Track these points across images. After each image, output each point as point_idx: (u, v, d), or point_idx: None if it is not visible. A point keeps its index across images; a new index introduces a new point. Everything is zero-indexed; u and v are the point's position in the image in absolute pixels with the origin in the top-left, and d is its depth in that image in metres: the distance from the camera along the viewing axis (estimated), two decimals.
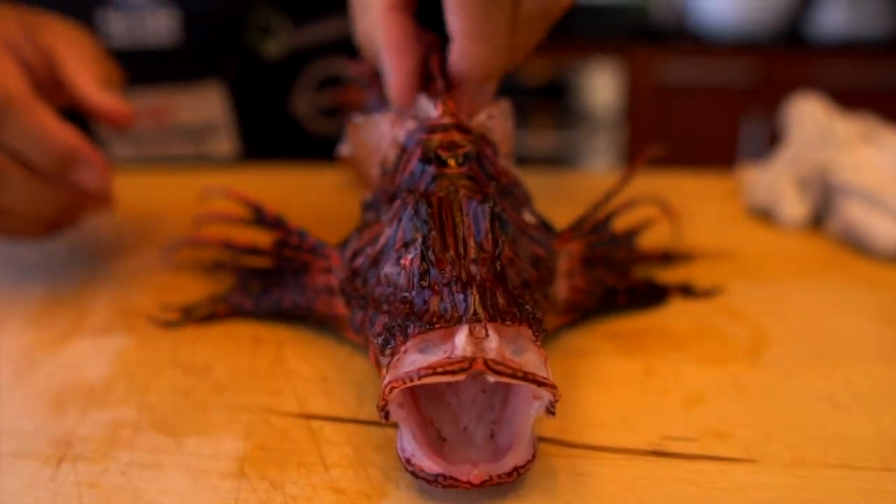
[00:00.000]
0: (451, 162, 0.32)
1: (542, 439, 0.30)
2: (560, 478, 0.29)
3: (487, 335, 0.26)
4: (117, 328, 0.39)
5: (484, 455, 0.28)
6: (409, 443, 0.27)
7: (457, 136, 0.33)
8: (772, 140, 1.92)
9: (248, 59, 0.64)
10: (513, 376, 0.26)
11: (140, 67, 0.61)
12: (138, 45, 0.60)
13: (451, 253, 0.29)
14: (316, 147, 0.67)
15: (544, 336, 0.29)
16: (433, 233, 0.29)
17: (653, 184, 0.51)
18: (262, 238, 0.40)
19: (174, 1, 0.60)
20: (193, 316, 0.39)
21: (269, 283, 0.39)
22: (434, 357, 0.26)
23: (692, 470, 0.29)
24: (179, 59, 0.62)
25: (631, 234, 0.43)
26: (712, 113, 1.89)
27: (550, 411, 0.27)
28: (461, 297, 0.27)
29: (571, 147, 2.29)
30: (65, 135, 0.39)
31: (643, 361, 0.36)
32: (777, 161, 0.54)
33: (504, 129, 0.37)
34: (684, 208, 0.50)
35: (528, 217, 0.35)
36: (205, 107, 0.64)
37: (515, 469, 0.27)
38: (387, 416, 0.27)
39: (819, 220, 0.52)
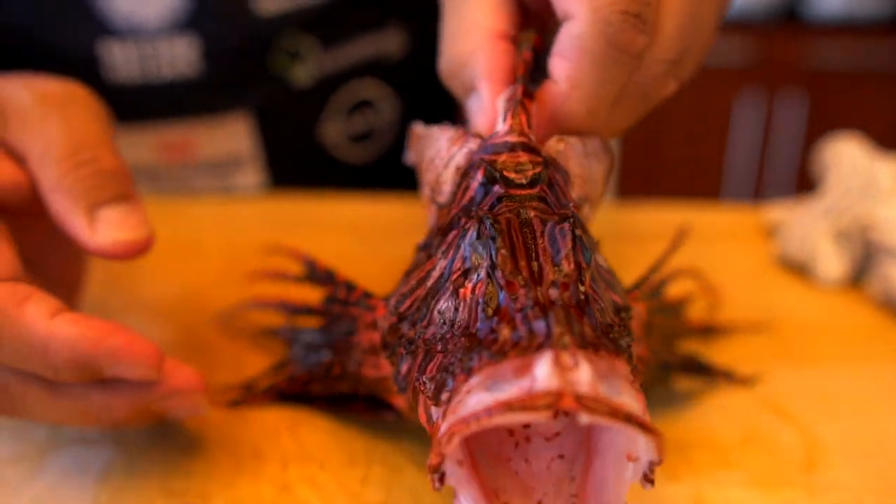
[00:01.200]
0: (520, 180, 0.28)
1: None
2: None
3: (577, 364, 0.21)
4: (100, 441, 0.34)
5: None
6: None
7: (524, 157, 0.29)
8: (766, 122, 1.89)
9: (276, 86, 0.58)
10: (612, 416, 0.20)
11: (155, 101, 0.56)
12: (152, 78, 0.55)
13: (525, 275, 0.24)
14: (346, 174, 0.63)
15: (639, 380, 0.24)
16: (502, 251, 0.24)
17: (672, 218, 0.48)
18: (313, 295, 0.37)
19: (192, 28, 0.54)
20: (254, 391, 0.35)
21: (320, 346, 0.35)
22: (504, 394, 0.21)
23: None
24: (200, 91, 0.56)
25: (680, 304, 0.39)
26: (706, 93, 1.85)
27: (649, 479, 0.22)
28: (541, 322, 0.22)
29: None
30: (68, 332, 0.27)
31: (690, 486, 0.32)
32: (813, 210, 0.50)
33: (585, 168, 0.31)
34: (712, 255, 0.47)
35: (602, 261, 0.30)
36: (230, 140, 0.59)
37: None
38: (441, 478, 0.22)
39: (859, 276, 0.48)
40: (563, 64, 0.29)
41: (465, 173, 0.30)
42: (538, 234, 0.25)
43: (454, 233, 0.28)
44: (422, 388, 0.25)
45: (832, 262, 0.48)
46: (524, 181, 0.28)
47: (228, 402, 0.36)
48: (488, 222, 0.25)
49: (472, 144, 0.30)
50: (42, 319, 0.27)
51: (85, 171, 0.31)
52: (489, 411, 0.20)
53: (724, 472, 0.33)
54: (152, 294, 0.45)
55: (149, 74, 0.55)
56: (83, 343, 0.27)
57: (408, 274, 0.30)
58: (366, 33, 0.61)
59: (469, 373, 0.22)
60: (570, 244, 0.25)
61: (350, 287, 0.34)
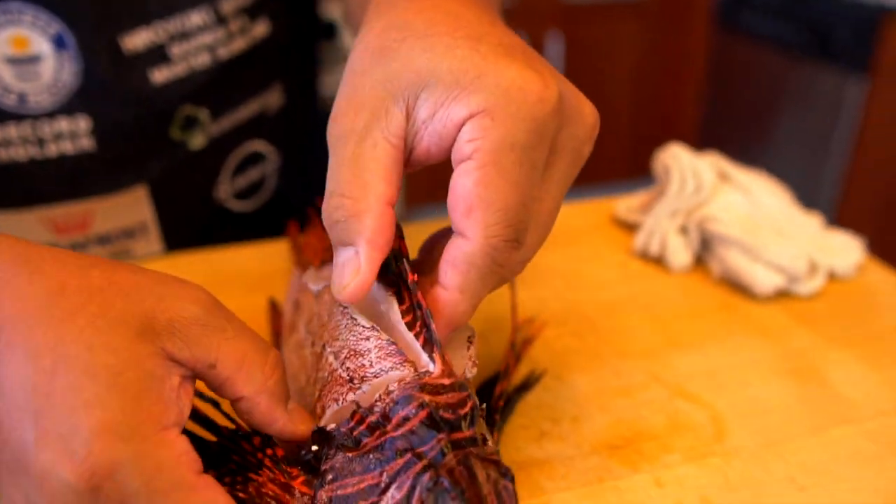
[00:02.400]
0: (461, 425, 0.32)
1: None
2: None
3: None
4: None
5: None
6: None
7: (456, 397, 0.33)
8: None
9: (175, 154, 0.59)
10: None
11: (51, 180, 0.56)
12: (49, 157, 0.55)
13: None
14: (236, 226, 0.65)
15: None
16: None
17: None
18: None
19: (87, 107, 0.54)
20: None
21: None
22: None
23: None
24: (98, 168, 0.56)
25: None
26: None
27: None
28: None
29: None
30: None
31: (649, 472, 0.43)
32: (659, 210, 0.62)
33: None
34: (579, 251, 0.57)
35: None
36: (128, 213, 0.59)
37: None
38: None
39: (700, 260, 0.61)
40: (453, 273, 0.34)
41: (398, 403, 0.32)
42: (485, 489, 0.30)
43: (399, 462, 0.31)
44: None
45: (681, 253, 0.60)
46: (463, 426, 0.32)
47: None
48: (446, 480, 0.30)
49: (405, 373, 0.33)
50: None
51: (279, 373, 0.35)
52: None
53: (667, 455, 0.44)
54: None
55: (47, 154, 0.54)
56: None
57: (332, 470, 0.34)
58: (253, 96, 0.63)
59: None
60: (516, 501, 0.31)
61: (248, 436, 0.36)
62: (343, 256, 0.35)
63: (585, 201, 0.70)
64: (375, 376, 0.34)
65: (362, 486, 0.32)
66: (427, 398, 0.32)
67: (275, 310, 0.52)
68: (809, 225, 0.61)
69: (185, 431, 0.32)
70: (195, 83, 0.58)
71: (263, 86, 0.64)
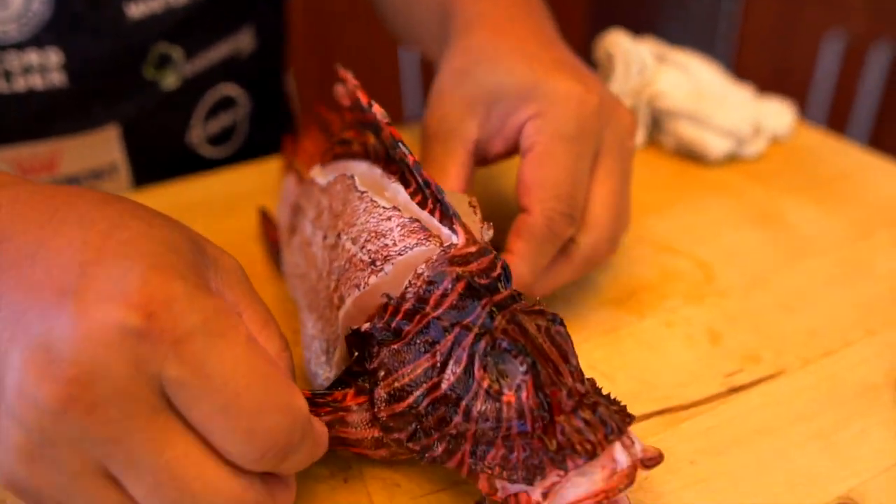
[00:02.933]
0: (499, 287, 0.32)
1: (640, 419, 0.39)
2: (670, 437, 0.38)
3: (633, 442, 0.30)
4: None
5: None
6: None
7: (486, 261, 0.33)
8: None
9: (147, 94, 0.57)
10: (658, 463, 0.30)
11: (20, 118, 0.53)
12: (19, 92, 0.51)
13: (563, 379, 0.30)
14: (207, 171, 0.64)
15: None
16: (534, 362, 0.30)
17: None
18: None
19: (60, 40, 0.51)
20: None
21: None
22: (596, 476, 0.29)
23: (758, 397, 0.40)
24: (70, 105, 0.54)
25: None
26: None
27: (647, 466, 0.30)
28: (597, 418, 0.30)
29: None
30: (324, 431, 0.32)
31: (656, 316, 0.46)
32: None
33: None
34: None
35: None
36: (98, 153, 0.57)
37: None
38: None
39: (651, 136, 0.64)
40: (517, 240, 0.40)
41: (431, 282, 0.32)
42: (540, 338, 0.31)
43: (449, 338, 0.31)
44: (488, 471, 0.30)
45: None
46: (500, 287, 0.32)
47: None
48: (503, 342, 0.30)
49: (431, 248, 0.33)
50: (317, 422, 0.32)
51: (289, 351, 0.33)
52: (598, 496, 0.28)
53: (667, 301, 0.47)
54: None
55: (15, 88, 0.52)
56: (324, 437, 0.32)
57: (383, 366, 0.33)
58: (225, 36, 0.62)
59: (566, 469, 0.29)
60: (570, 343, 0.31)
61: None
62: (433, 154, 0.43)
63: None
64: (400, 254, 0.34)
65: (418, 371, 0.32)
66: (460, 270, 0.32)
67: (267, 219, 0.52)
68: (744, 95, 0.65)
69: None
70: (171, 20, 0.56)
71: (236, 27, 0.63)
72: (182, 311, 0.26)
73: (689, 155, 0.62)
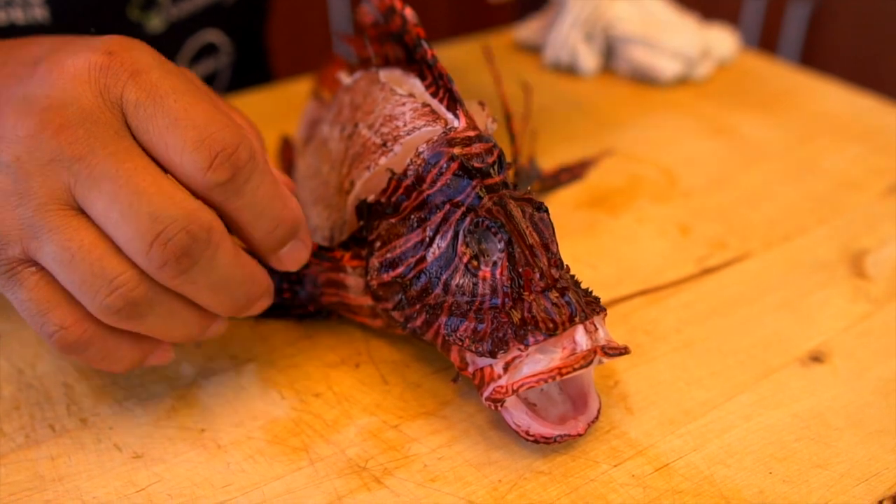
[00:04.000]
0: (491, 172, 0.34)
1: (625, 298, 0.42)
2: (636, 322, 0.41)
3: (597, 328, 0.31)
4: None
5: (567, 408, 0.33)
6: (522, 419, 0.32)
7: (483, 147, 0.34)
8: None
9: (131, 35, 0.56)
10: (620, 354, 0.31)
11: None
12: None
13: (539, 261, 0.32)
14: None
15: None
16: (510, 241, 0.31)
17: (450, 61, 0.62)
18: None
19: None
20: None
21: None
22: (556, 355, 0.30)
23: (730, 276, 0.44)
24: None
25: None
26: None
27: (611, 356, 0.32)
28: (564, 301, 0.31)
29: None
30: (295, 206, 0.34)
31: (629, 215, 0.49)
32: (562, 23, 0.67)
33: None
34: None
35: None
36: None
37: (598, 411, 0.33)
38: (501, 405, 0.31)
39: (607, 63, 0.67)
40: None
41: (429, 162, 0.34)
42: (522, 222, 0.32)
43: (439, 215, 0.33)
44: (458, 342, 0.32)
45: (590, 58, 0.66)
46: (493, 173, 0.34)
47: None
48: (486, 220, 0.32)
49: (435, 129, 0.35)
50: (284, 186, 0.34)
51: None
52: (560, 371, 0.30)
53: (636, 201, 0.50)
54: None
55: None
56: (299, 214, 0.34)
57: (380, 237, 0.35)
58: None
59: (527, 345, 0.30)
60: (551, 230, 0.33)
61: None
62: None
63: (481, 36, 0.74)
64: (408, 134, 0.36)
65: (409, 244, 0.34)
66: (456, 151, 0.34)
67: (287, 144, 0.53)
68: (690, 22, 0.68)
69: None
70: None
71: None
72: (140, 53, 0.31)
73: (643, 78, 0.65)
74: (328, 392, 0.36)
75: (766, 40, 1.64)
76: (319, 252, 0.38)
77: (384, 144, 0.37)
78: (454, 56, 0.69)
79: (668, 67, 0.63)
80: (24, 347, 0.39)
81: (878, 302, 0.42)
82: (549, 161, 0.54)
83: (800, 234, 0.47)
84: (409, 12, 0.38)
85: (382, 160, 0.36)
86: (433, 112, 0.36)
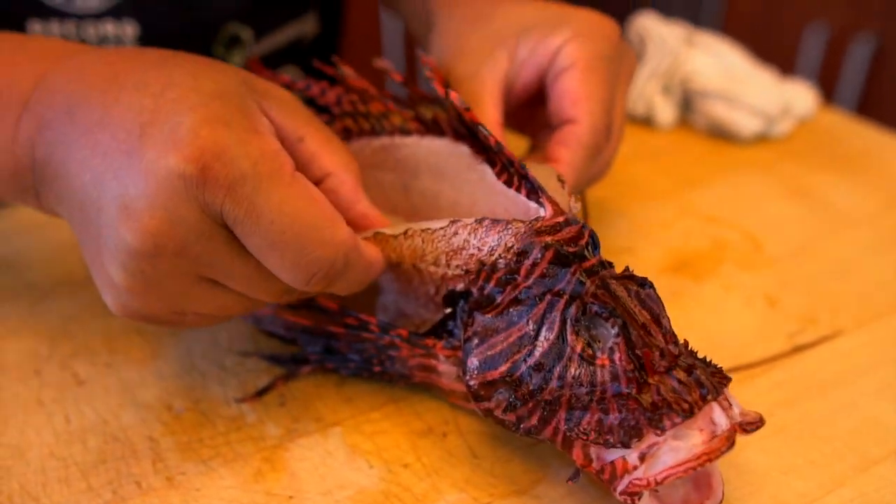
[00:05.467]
0: (586, 254, 0.33)
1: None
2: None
3: (731, 404, 0.30)
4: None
5: (689, 489, 0.31)
6: None
7: (573, 230, 0.34)
8: None
9: None
10: (758, 428, 0.31)
11: None
12: None
13: (655, 340, 0.31)
14: None
15: None
16: (625, 325, 0.31)
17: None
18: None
19: (135, 12, 0.52)
20: (270, 386, 0.39)
21: (345, 350, 0.39)
22: (695, 440, 0.29)
23: (822, 355, 0.43)
24: None
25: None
26: None
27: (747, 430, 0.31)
28: (692, 378, 0.30)
29: None
30: (378, 269, 0.36)
31: (714, 282, 0.48)
32: (640, 75, 0.66)
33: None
34: None
35: None
36: None
37: (722, 493, 0.31)
38: (638, 498, 0.30)
39: (684, 117, 0.67)
40: (564, 150, 0.41)
41: (521, 252, 0.33)
42: (630, 301, 0.32)
43: (541, 306, 0.32)
44: (582, 436, 0.31)
45: (667, 111, 0.65)
46: (588, 255, 0.33)
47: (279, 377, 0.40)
48: (594, 306, 0.31)
49: (515, 228, 0.34)
50: (366, 248, 0.35)
51: (357, 163, 0.37)
52: (699, 459, 0.29)
53: (721, 267, 0.49)
54: None
55: None
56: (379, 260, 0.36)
57: (477, 335, 0.34)
58: (292, 20, 0.62)
59: (663, 429, 0.29)
60: (661, 305, 0.32)
61: (383, 326, 0.38)
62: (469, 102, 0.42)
63: None
64: (491, 254, 0.34)
65: (511, 339, 0.33)
66: (548, 239, 0.33)
67: None
68: (769, 77, 0.67)
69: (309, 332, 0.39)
70: (243, 0, 0.57)
71: (302, 10, 0.64)
72: (232, 159, 0.30)
73: (720, 134, 0.64)
74: (416, 463, 0.36)
75: (824, 80, 1.62)
76: (412, 339, 0.37)
77: (468, 272, 0.35)
78: None
79: (747, 124, 0.62)
80: (108, 395, 0.40)
81: None
82: (628, 221, 0.53)
83: (893, 310, 0.46)
84: (454, 97, 0.37)
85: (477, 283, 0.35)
86: (495, 222, 0.35)
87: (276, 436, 0.37)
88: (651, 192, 0.57)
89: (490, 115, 0.42)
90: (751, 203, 0.56)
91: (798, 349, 0.43)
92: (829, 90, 1.63)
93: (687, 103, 0.66)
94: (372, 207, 0.37)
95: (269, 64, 0.63)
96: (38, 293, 0.46)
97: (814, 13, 1.62)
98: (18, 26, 0.50)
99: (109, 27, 0.52)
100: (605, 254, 0.35)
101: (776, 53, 1.76)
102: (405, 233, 0.36)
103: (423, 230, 0.36)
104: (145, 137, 0.30)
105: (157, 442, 0.37)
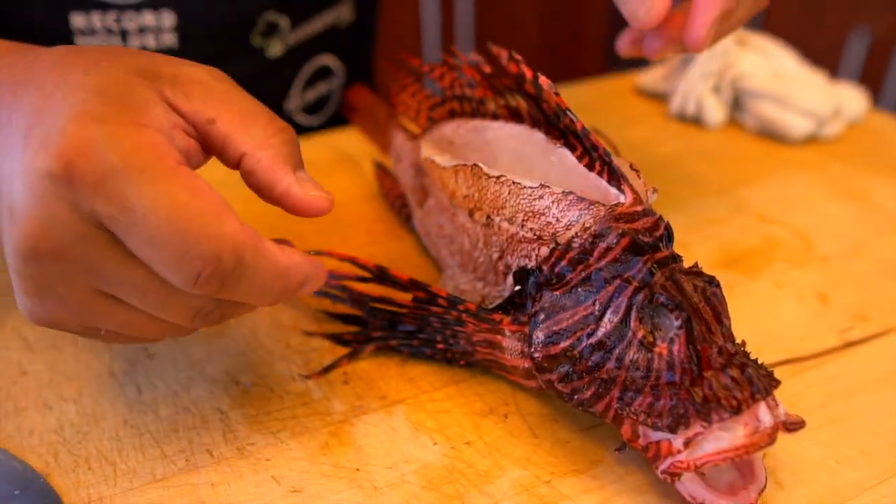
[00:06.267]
0: (660, 245, 0.34)
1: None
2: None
3: (777, 404, 0.31)
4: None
5: (735, 476, 0.33)
6: (698, 491, 0.32)
7: (650, 221, 0.35)
8: None
9: (253, 60, 0.59)
10: (799, 428, 0.32)
11: None
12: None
13: (715, 337, 0.32)
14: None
15: None
16: (692, 323, 0.32)
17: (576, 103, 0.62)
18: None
19: (174, 3, 0.53)
20: (335, 364, 0.41)
21: (410, 325, 0.41)
22: (739, 432, 0.31)
23: (873, 351, 0.43)
24: None
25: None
26: None
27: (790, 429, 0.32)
28: (745, 377, 0.31)
29: None
30: (298, 271, 0.32)
31: (766, 278, 0.49)
32: (689, 75, 0.67)
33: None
34: (615, 121, 0.62)
35: None
36: None
37: (765, 479, 0.32)
38: (678, 478, 0.31)
39: (733, 116, 0.67)
40: (704, 6, 0.40)
41: (597, 235, 0.35)
42: (696, 297, 0.33)
43: (609, 289, 0.33)
44: (632, 416, 0.32)
45: (717, 111, 0.66)
46: (661, 246, 0.34)
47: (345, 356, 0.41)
48: (662, 297, 0.32)
49: (596, 210, 0.35)
50: (280, 251, 0.31)
51: (285, 135, 0.34)
52: (738, 450, 0.30)
53: (774, 265, 0.50)
54: None
55: (128, 47, 0.54)
56: (319, 272, 0.33)
57: (543, 310, 0.35)
58: (328, 7, 0.64)
59: (710, 422, 0.30)
60: (724, 304, 0.33)
61: (452, 300, 0.39)
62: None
63: (602, 80, 0.75)
64: (567, 228, 0.36)
65: (576, 317, 0.34)
66: (625, 226, 0.34)
67: (382, 170, 0.55)
68: (819, 78, 0.67)
69: (376, 306, 0.39)
70: None
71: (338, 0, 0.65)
72: (99, 154, 0.28)
73: (771, 134, 0.64)
74: (479, 441, 0.37)
75: (865, 85, 1.60)
76: (479, 313, 0.38)
77: (540, 238, 0.37)
78: (573, 98, 0.70)
79: (798, 125, 0.63)
80: (177, 369, 0.41)
81: None
82: (683, 216, 0.54)
83: None
84: (544, 81, 0.38)
85: (544, 250, 0.37)
86: (580, 200, 0.36)
87: (342, 412, 0.39)
88: (704, 188, 0.58)
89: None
90: (801, 202, 0.56)
91: (849, 345, 0.43)
92: (870, 95, 1.61)
93: (737, 103, 0.66)
94: (300, 184, 0.33)
95: (305, 52, 0.65)
96: None
97: (856, 18, 1.61)
98: (61, 19, 0.52)
99: (148, 17, 0.54)
100: None
101: (817, 58, 1.75)
102: (498, 177, 0.38)
103: (514, 182, 0.38)
104: (27, 139, 0.29)
105: (226, 414, 0.39)
